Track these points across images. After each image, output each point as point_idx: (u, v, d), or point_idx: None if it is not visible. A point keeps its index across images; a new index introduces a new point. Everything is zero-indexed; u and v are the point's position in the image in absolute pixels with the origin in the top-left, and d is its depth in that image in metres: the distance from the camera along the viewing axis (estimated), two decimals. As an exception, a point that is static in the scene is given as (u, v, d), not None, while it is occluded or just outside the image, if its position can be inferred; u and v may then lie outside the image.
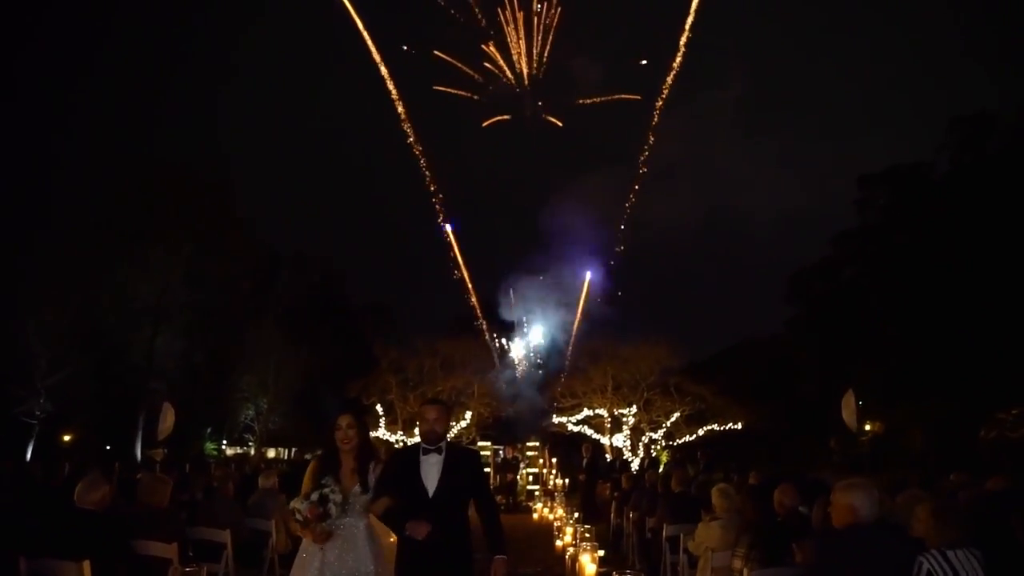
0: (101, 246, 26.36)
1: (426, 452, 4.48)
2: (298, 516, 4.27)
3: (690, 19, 33.00)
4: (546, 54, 35.53)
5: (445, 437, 4.59)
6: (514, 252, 35.62)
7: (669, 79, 33.03)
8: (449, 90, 35.03)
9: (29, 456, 26.60)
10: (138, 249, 26.70)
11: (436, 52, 35.06)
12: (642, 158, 34.82)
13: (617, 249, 35.23)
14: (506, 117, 35.27)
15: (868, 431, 28.85)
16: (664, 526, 7.83)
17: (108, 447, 29.42)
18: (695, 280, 35.35)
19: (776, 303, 31.17)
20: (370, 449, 4.66)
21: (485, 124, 35.43)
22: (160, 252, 27.10)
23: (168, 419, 16.13)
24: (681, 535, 7.05)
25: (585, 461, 17.47)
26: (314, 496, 4.25)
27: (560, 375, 25.20)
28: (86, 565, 4.64)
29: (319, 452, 4.86)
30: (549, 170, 35.66)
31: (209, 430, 33.58)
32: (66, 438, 29.59)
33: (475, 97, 35.34)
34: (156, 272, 27.11)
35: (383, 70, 33.97)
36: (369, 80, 34.34)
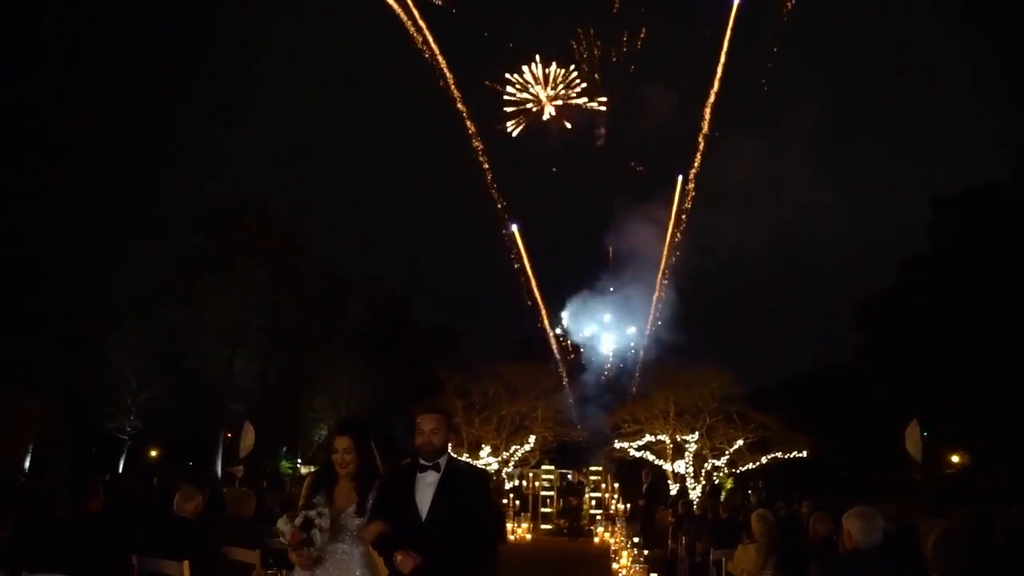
0: (180, 274, 28.15)
1: (423, 469, 3.93)
2: (281, 539, 3.88)
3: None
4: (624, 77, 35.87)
5: (445, 451, 3.99)
6: (581, 275, 35.85)
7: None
8: (510, 124, 35.78)
9: (121, 469, 28.46)
10: (215, 276, 28.32)
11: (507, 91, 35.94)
12: (709, 183, 34.79)
13: (683, 272, 35.16)
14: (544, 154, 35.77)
15: (956, 463, 27.90)
16: (710, 551, 8.15)
17: (191, 463, 31.09)
18: (762, 305, 34.91)
19: (845, 330, 30.54)
20: (373, 472, 4.04)
21: (555, 169, 36.14)
22: (235, 279, 28.69)
23: (248, 438, 17.20)
24: (724, 559, 7.37)
25: (645, 487, 17.66)
26: (298, 520, 3.81)
27: (624, 400, 25.42)
28: (186, 565, 5.36)
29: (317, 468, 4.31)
30: (616, 193, 35.93)
31: (284, 449, 34.99)
32: (152, 453, 31.47)
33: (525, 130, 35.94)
34: (232, 298, 28.67)
35: (459, 104, 35.03)
36: (439, 104, 35.38)
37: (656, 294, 36.21)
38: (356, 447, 4.00)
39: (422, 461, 3.93)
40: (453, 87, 34.97)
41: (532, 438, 21.28)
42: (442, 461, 3.94)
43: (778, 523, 6.07)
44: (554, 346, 36.36)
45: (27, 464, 26.16)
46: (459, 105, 35.24)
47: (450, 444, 4.08)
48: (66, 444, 27.54)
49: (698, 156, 35.85)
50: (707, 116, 35.25)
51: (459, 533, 3.77)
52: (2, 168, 29.04)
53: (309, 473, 4.37)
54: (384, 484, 3.98)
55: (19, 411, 24.21)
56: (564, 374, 34.03)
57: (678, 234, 36.03)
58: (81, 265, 27.91)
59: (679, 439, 21.12)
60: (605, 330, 38.43)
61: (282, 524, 3.85)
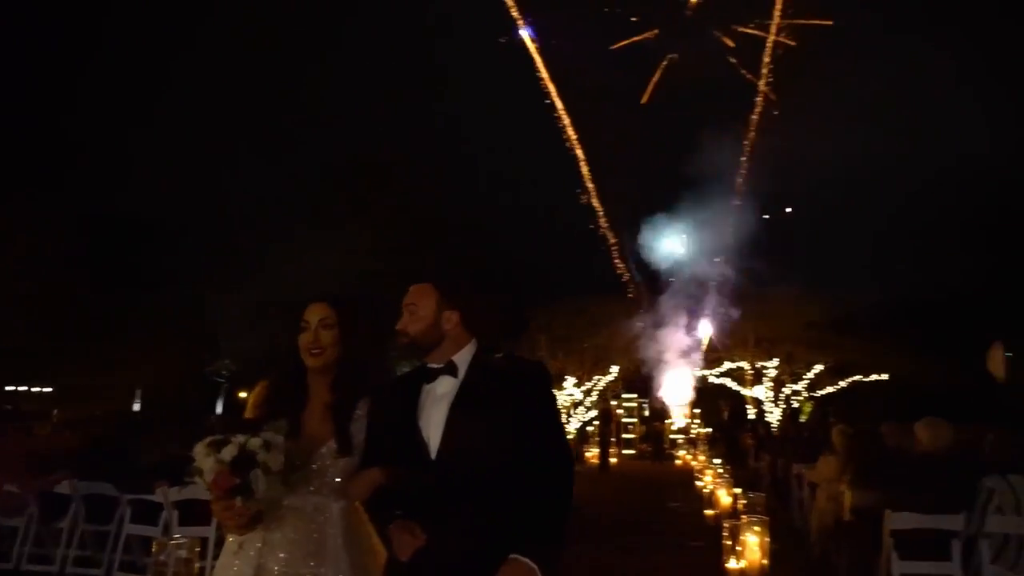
0: (283, 230, 29.64)
1: (432, 376, 2.36)
2: (198, 479, 2.25)
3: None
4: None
5: (464, 343, 2.39)
6: (658, 199, 35.10)
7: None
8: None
9: (220, 410, 30.97)
10: (310, 227, 29.69)
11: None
12: (795, 100, 33.54)
13: (764, 195, 34.36)
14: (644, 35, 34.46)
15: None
16: (792, 465, 8.94)
17: None
18: (844, 231, 34.00)
19: (928, 257, 29.89)
20: (362, 372, 2.54)
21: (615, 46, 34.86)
22: (330, 229, 30.05)
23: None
24: (803, 471, 8.13)
25: (726, 414, 18.47)
26: (226, 452, 2.21)
27: (704, 330, 25.85)
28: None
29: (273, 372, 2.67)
30: (701, 106, 34.88)
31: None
32: (242, 395, 33.91)
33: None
34: (334, 250, 30.11)
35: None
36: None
37: (734, 218, 35.51)
38: (340, 323, 2.53)
39: (429, 364, 2.38)
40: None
41: (614, 368, 22.15)
42: (460, 360, 2.36)
43: (857, 437, 6.76)
44: (626, 275, 36.23)
45: (137, 405, 28.77)
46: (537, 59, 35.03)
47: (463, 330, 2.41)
48: (170, 387, 30.04)
49: (761, 73, 34.55)
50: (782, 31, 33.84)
51: (503, 471, 2.20)
52: (103, 130, 30.74)
53: (260, 383, 2.66)
54: (379, 399, 2.46)
55: (124, 357, 26.47)
56: (641, 302, 34.25)
57: (757, 155, 35.10)
58: (184, 222, 29.65)
59: (759, 365, 21.67)
60: (683, 255, 37.94)
61: (201, 456, 2.24)
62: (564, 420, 20.36)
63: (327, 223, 29.28)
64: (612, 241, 36.35)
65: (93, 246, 26.53)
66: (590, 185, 35.50)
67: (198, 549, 4.06)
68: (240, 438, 2.25)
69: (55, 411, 20.13)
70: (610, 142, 36.66)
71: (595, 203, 35.64)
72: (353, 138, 32.86)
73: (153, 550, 3.79)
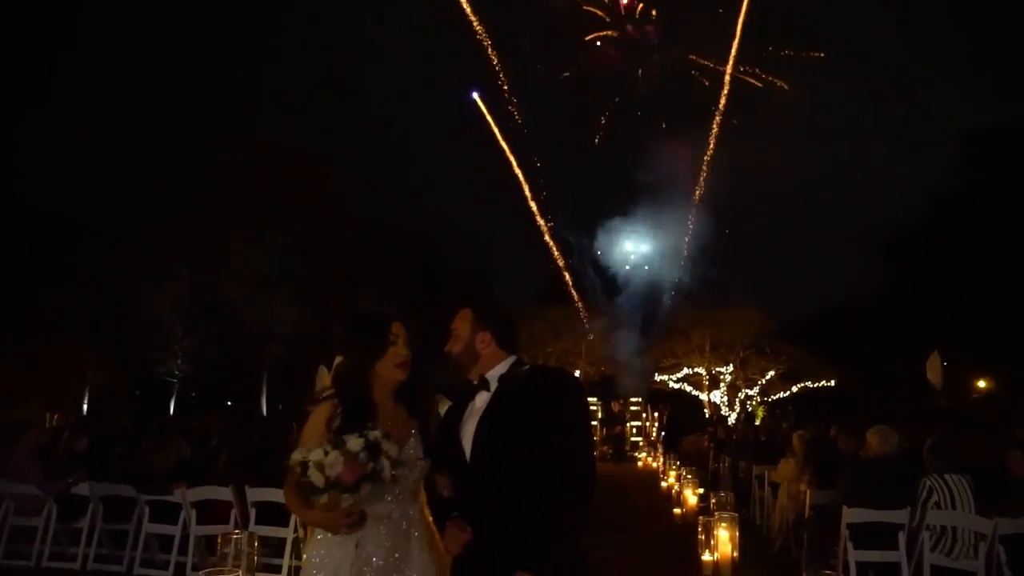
0: (216, 226, 29.46)
1: (473, 392, 2.67)
2: (315, 478, 2.24)
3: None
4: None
5: (501, 359, 2.66)
6: (614, 204, 35.62)
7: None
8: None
9: (172, 411, 30.65)
10: (252, 226, 29.52)
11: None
12: (744, 115, 34.72)
13: (716, 204, 35.31)
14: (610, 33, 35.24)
15: (982, 388, 29.10)
16: (753, 467, 9.70)
17: (229, 403, 33.01)
18: (795, 237, 35.34)
19: (875, 264, 31.32)
20: (426, 382, 2.80)
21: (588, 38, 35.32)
22: (272, 228, 29.99)
23: (323, 379, 18.93)
24: (766, 472, 8.89)
25: (665, 419, 19.34)
26: (354, 443, 2.28)
27: (661, 335, 26.69)
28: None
29: (328, 389, 2.65)
30: (648, 120, 35.73)
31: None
32: (192, 395, 33.55)
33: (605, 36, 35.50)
34: (269, 246, 30.07)
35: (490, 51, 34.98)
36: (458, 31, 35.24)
37: (689, 225, 36.43)
38: (411, 340, 2.71)
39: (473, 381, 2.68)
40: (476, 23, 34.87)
41: (577, 373, 22.82)
42: (492, 376, 2.63)
43: (814, 442, 7.54)
44: (570, 280, 36.33)
45: (85, 406, 28.22)
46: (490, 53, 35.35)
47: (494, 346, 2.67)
48: (122, 388, 29.61)
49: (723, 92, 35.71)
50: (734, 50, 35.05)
51: (531, 478, 2.41)
52: (47, 130, 30.21)
53: (323, 397, 2.62)
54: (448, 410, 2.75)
55: (73, 357, 26.05)
56: (598, 308, 34.80)
57: (709, 166, 36.13)
58: (123, 220, 29.30)
59: (714, 371, 22.59)
60: (637, 261, 38.51)
61: (315, 454, 2.27)
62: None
63: (257, 224, 29.13)
64: (557, 248, 36.56)
65: (29, 245, 26.05)
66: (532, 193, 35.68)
67: (256, 544, 4.55)
68: (354, 434, 2.34)
69: (54, 416, 19.86)
70: (570, 148, 37.35)
71: (534, 208, 35.77)
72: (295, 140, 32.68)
73: (218, 544, 4.27)
